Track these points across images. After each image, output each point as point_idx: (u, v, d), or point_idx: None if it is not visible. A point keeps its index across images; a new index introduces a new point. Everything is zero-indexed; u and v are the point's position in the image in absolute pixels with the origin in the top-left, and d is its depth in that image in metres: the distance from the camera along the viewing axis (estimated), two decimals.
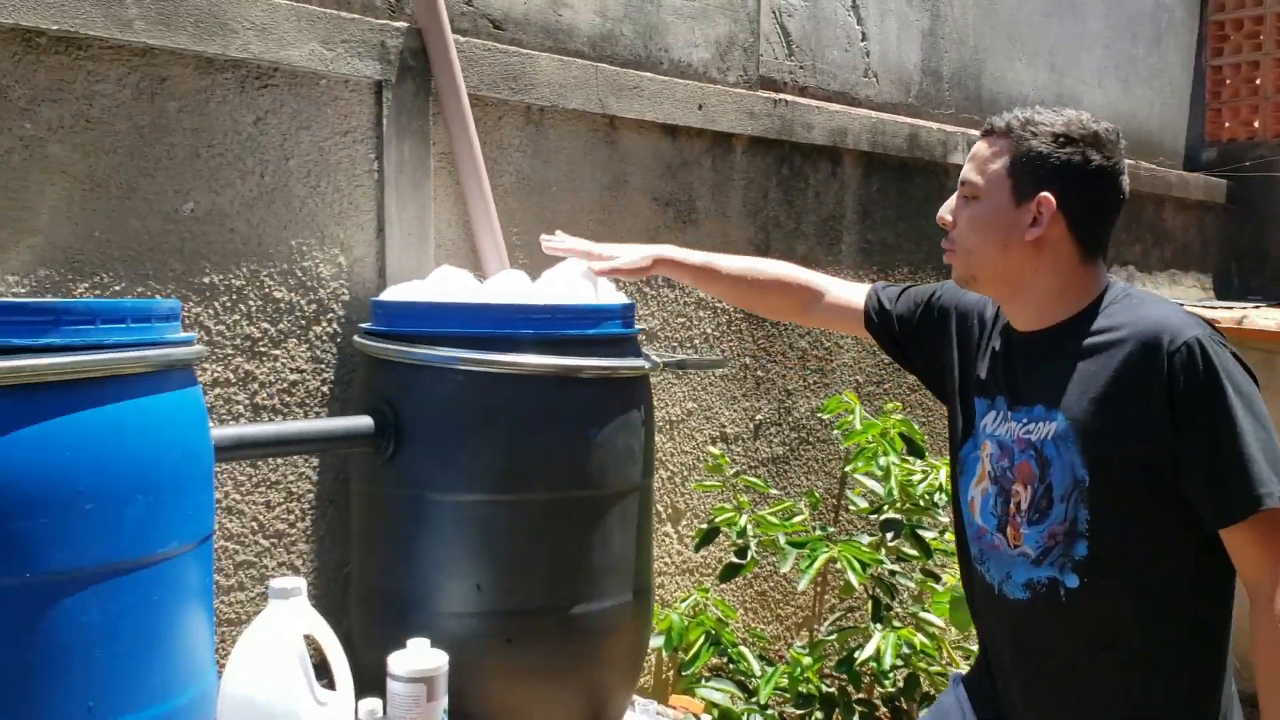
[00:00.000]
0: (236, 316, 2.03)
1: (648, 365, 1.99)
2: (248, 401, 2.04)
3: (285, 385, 2.10)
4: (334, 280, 2.17)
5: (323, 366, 2.15)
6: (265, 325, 2.07)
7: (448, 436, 1.85)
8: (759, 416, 3.07)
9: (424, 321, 1.88)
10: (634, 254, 2.07)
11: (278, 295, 2.09)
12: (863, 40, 3.53)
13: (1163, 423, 1.48)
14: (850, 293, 2.00)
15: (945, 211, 1.66)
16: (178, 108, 1.95)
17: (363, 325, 2.00)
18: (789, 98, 3.15)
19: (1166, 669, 1.54)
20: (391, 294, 2.02)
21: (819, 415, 3.10)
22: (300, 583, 1.60)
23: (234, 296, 2.03)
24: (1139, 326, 1.52)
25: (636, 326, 2.03)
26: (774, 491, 2.79)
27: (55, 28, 1.77)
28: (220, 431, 1.65)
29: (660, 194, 2.81)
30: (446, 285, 2.03)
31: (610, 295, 2.03)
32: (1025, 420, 1.60)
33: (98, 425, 1.35)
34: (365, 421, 1.86)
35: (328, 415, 2.15)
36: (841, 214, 3.33)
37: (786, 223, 3.16)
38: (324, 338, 2.16)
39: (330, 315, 2.16)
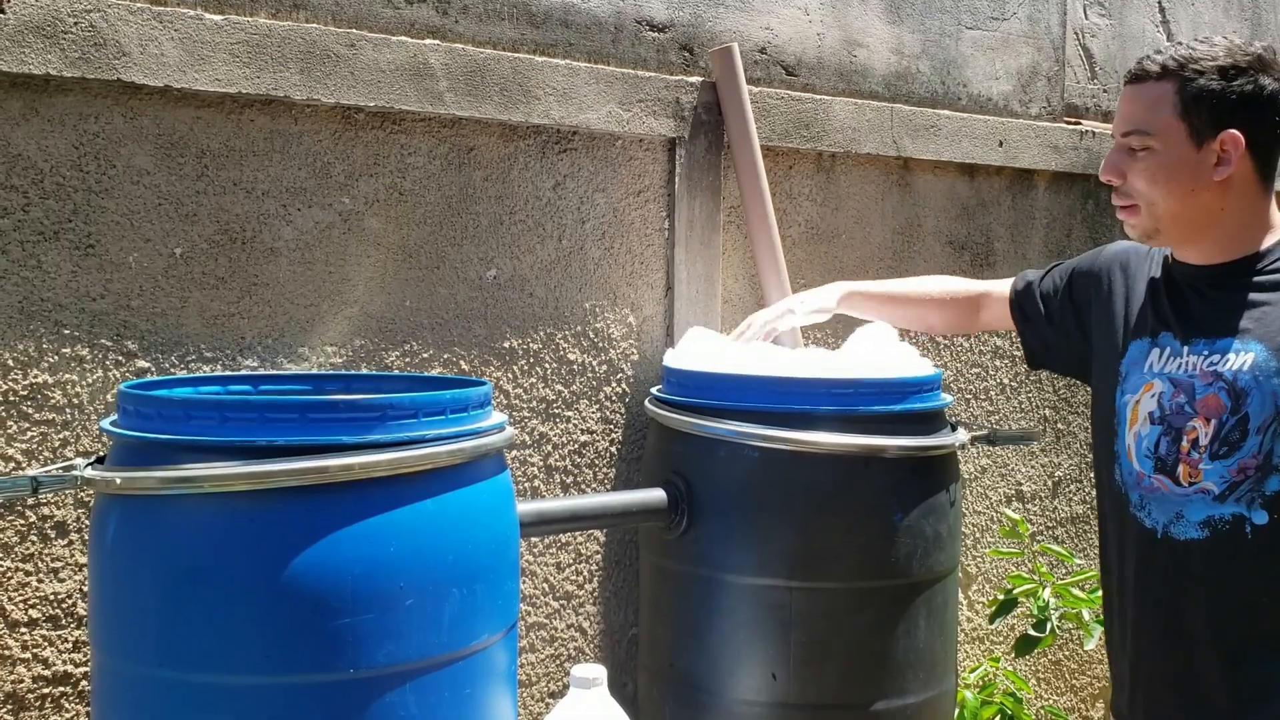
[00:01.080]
0: (533, 379, 2.04)
1: (957, 443, 1.86)
2: (541, 463, 2.05)
3: (576, 446, 2.10)
4: (624, 340, 2.15)
5: (612, 427, 2.14)
6: (559, 387, 2.08)
7: (741, 516, 1.78)
8: (1058, 473, 2.86)
9: (719, 393, 1.82)
10: (815, 300, 2.04)
11: (571, 357, 2.09)
12: None
13: None
14: (1002, 285, 1.98)
15: (1110, 170, 1.61)
16: (483, 176, 1.98)
17: (655, 391, 1.96)
18: (1094, 126, 2.91)
19: None
20: (670, 359, 1.97)
21: None
22: (602, 672, 1.57)
23: (531, 360, 2.04)
24: None
25: (945, 398, 1.90)
26: (1078, 561, 2.58)
27: (372, 104, 1.83)
28: (522, 508, 1.65)
29: (955, 237, 2.66)
30: (693, 345, 1.98)
31: (916, 365, 1.91)
32: (1207, 353, 1.56)
33: (418, 519, 1.36)
34: (658, 495, 1.83)
35: (615, 476, 2.14)
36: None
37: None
38: (613, 398, 2.14)
39: (620, 375, 2.15)
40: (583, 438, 2.10)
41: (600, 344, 2.12)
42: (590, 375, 2.11)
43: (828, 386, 1.79)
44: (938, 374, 1.91)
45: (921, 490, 1.83)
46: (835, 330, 2.42)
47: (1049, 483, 2.84)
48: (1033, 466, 2.81)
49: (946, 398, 1.91)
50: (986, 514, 2.71)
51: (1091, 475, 2.91)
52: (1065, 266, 1.89)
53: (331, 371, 1.81)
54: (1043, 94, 2.85)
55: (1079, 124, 2.92)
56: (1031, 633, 2.53)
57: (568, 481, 2.08)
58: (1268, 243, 1.58)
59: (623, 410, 2.15)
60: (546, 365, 2.06)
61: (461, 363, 1.96)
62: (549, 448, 2.06)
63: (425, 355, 1.93)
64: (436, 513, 1.37)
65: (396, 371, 1.89)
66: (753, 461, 1.78)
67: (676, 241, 2.19)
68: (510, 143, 2.00)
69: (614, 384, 2.14)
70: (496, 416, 1.51)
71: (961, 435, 1.89)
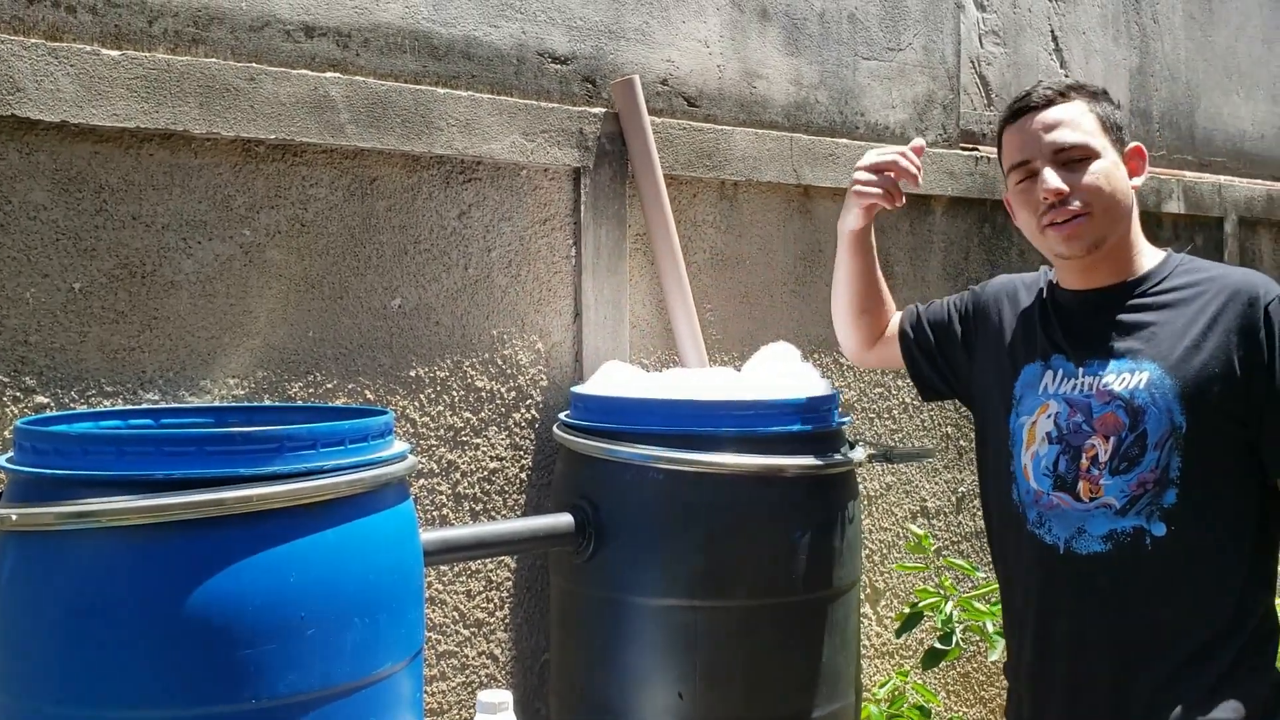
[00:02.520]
0: (440, 407, 2.06)
1: (855, 461, 1.92)
2: (450, 491, 2.07)
3: (486, 474, 2.12)
4: (532, 367, 2.18)
5: (521, 453, 2.16)
6: (468, 414, 2.09)
7: (647, 538, 1.82)
8: (961, 489, 2.94)
9: (625, 418, 1.86)
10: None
11: (479, 384, 2.11)
12: None
13: (1258, 370, 1.52)
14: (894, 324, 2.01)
15: (1055, 182, 1.59)
16: (386, 206, 1.99)
17: (564, 417, 1.99)
18: (990, 153, 3.02)
19: (1235, 616, 1.55)
20: (582, 388, 2.02)
21: None
22: (508, 697, 1.59)
23: (438, 388, 2.06)
24: (1227, 281, 1.58)
25: (843, 418, 1.96)
26: (980, 574, 2.66)
27: (273, 137, 1.84)
28: (427, 536, 1.67)
29: None
30: (607, 381, 2.02)
31: (815, 385, 1.97)
32: (1102, 373, 1.60)
33: (318, 549, 1.37)
34: (565, 520, 1.85)
35: (525, 502, 2.16)
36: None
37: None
38: (522, 424, 2.16)
39: (529, 402, 2.17)
40: (491, 465, 2.12)
41: (509, 371, 2.14)
42: (499, 402, 2.13)
43: (729, 409, 1.84)
44: (835, 394, 1.96)
45: (821, 508, 1.88)
46: (743, 353, 2.48)
47: (952, 498, 2.92)
48: (936, 483, 2.89)
49: (845, 417, 1.97)
50: (893, 530, 2.78)
51: None
52: (950, 300, 1.92)
53: (234, 404, 1.81)
54: (939, 121, 2.95)
55: (975, 149, 3.03)
56: (937, 645, 2.59)
57: (477, 509, 2.10)
58: (1148, 265, 1.65)
59: (532, 436, 2.18)
60: (454, 393, 2.08)
61: (367, 392, 1.97)
62: (457, 475, 2.08)
63: (329, 386, 1.94)
64: (337, 542, 1.38)
65: (300, 403, 1.89)
66: (657, 484, 1.82)
67: (584, 268, 2.22)
68: (414, 173, 2.02)
69: (523, 410, 2.17)
70: (398, 445, 1.53)
71: (858, 453, 1.95)
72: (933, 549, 2.69)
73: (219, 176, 1.82)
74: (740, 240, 2.51)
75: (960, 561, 2.69)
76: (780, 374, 1.98)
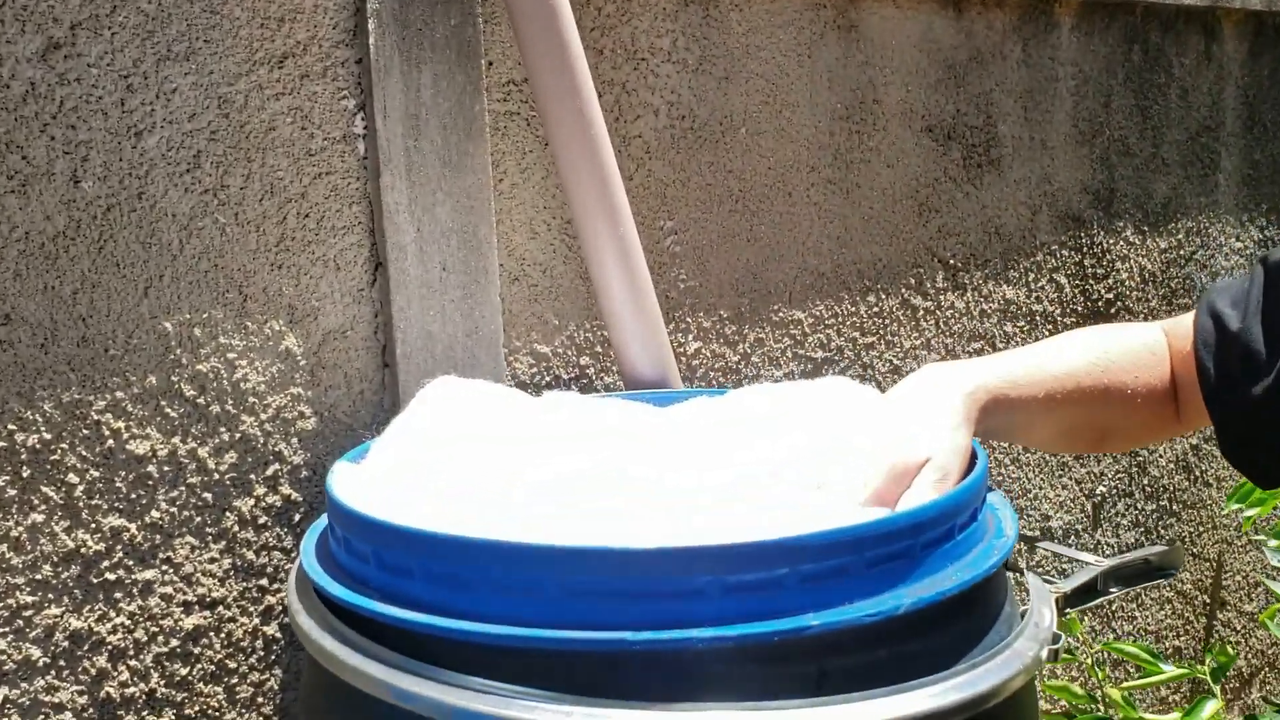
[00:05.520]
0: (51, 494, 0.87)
1: (1044, 651, 0.74)
2: (80, 697, 0.89)
3: (166, 644, 0.94)
4: (278, 392, 0.98)
5: (259, 589, 0.98)
6: (121, 507, 0.91)
7: None
8: (1100, 488, 1.79)
9: (460, 590, 0.68)
10: (946, 448, 0.79)
11: (140, 447, 0.91)
12: None
13: None
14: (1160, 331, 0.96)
15: None
16: None
17: (311, 568, 0.79)
18: None
19: None
20: (340, 484, 0.81)
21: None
22: None
23: (36, 453, 0.86)
24: None
25: (1000, 536, 0.78)
26: (1167, 668, 1.51)
27: None
28: None
29: (935, 118, 1.51)
30: (422, 447, 0.83)
31: (935, 458, 0.78)
32: None
33: None
34: None
35: (279, 698, 0.99)
36: (1218, 121, 1.95)
37: (1139, 147, 1.81)
38: (264, 521, 0.98)
39: (274, 469, 0.98)
40: (188, 621, 0.94)
41: (221, 405, 0.95)
42: (202, 478, 0.94)
43: (721, 560, 0.65)
44: (981, 476, 0.78)
45: None
46: (740, 315, 1.29)
47: (1087, 506, 1.77)
48: (1063, 483, 1.73)
49: (1005, 534, 0.79)
50: None
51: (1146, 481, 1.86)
52: (1245, 292, 0.89)
53: None
54: None
55: None
56: None
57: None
58: None
59: (289, 544, 1.00)
60: (77, 460, 0.88)
61: None
62: (110, 655, 0.90)
63: None
64: None
65: None
66: None
67: (385, 161, 1.00)
68: None
69: (260, 491, 0.98)
70: None
71: (1044, 621, 0.77)
72: (1081, 629, 1.54)
73: None
74: (727, 86, 1.28)
75: (1130, 648, 1.53)
76: (837, 435, 0.80)
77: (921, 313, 1.51)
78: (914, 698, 0.65)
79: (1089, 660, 1.56)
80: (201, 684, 0.95)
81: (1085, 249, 1.75)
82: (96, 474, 0.89)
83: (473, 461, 0.82)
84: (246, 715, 0.98)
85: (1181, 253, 1.91)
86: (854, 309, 1.43)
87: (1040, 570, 1.61)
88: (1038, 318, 1.68)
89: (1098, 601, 0.91)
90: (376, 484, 0.81)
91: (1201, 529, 1.98)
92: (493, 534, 0.69)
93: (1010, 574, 0.82)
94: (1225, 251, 2.00)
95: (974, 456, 0.81)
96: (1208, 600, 2.00)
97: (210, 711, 0.96)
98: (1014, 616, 0.79)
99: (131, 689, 0.91)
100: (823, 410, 0.89)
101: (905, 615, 0.66)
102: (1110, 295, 1.79)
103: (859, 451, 0.79)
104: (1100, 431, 0.96)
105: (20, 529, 0.86)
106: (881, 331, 1.46)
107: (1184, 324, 0.93)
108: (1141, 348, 0.95)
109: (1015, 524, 0.80)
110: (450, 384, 0.92)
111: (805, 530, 0.66)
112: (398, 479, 0.81)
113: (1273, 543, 1.67)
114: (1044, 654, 0.74)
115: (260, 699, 0.98)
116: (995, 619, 0.76)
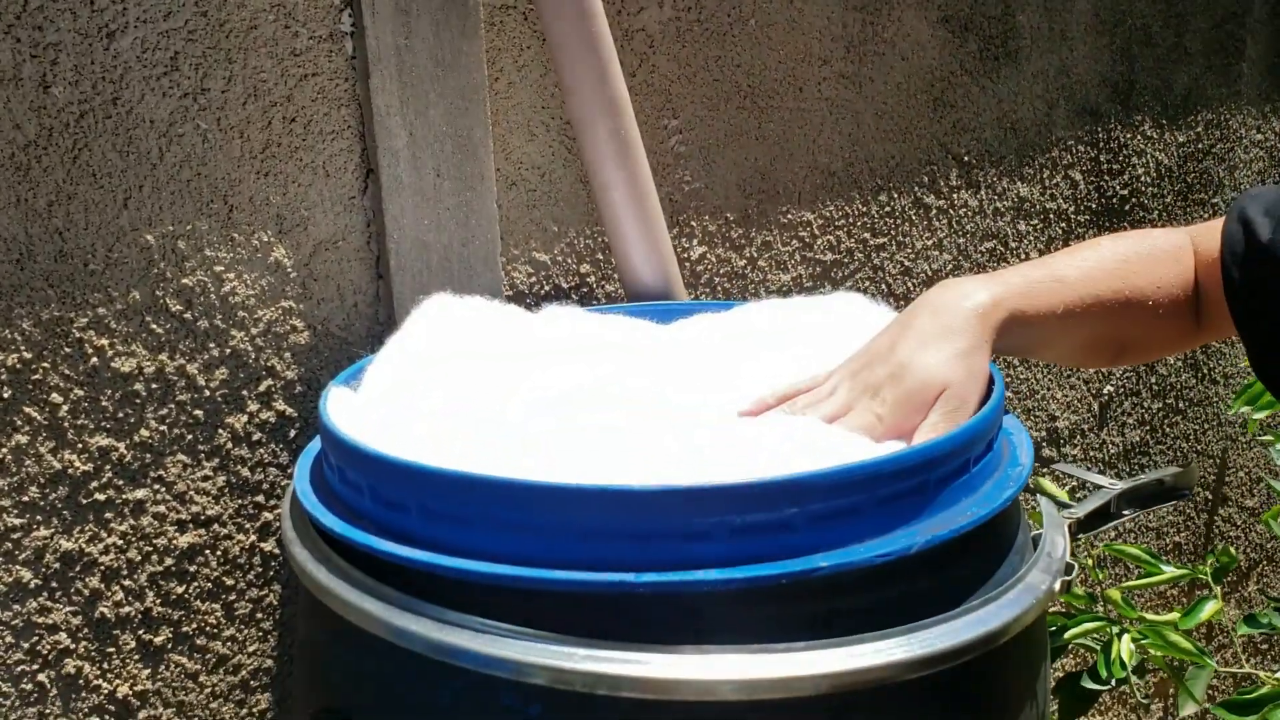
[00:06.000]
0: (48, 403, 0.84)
1: (1057, 583, 0.73)
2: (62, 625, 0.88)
3: (162, 561, 0.93)
4: (267, 306, 0.94)
5: (256, 507, 0.96)
6: (114, 425, 0.88)
7: None
8: (1107, 388, 1.77)
9: (457, 529, 0.66)
10: (962, 375, 0.76)
11: (125, 365, 0.88)
12: None
13: None
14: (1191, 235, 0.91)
15: None
16: None
17: (303, 492, 0.77)
18: None
19: None
20: (336, 410, 0.78)
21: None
22: None
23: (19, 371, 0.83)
24: None
25: (1016, 463, 0.76)
26: (1166, 569, 1.51)
27: None
28: None
29: (954, 8, 1.44)
30: (418, 369, 0.80)
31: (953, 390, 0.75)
32: None
33: None
34: None
35: (276, 624, 0.98)
36: (1245, 6, 1.87)
37: (1161, 36, 1.73)
38: (257, 437, 0.95)
39: (267, 386, 0.95)
40: (183, 539, 0.93)
41: (209, 320, 0.91)
42: (192, 396, 0.92)
43: (725, 500, 0.63)
44: (999, 403, 0.76)
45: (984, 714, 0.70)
46: (748, 218, 1.25)
47: (1094, 405, 1.75)
48: (1071, 385, 1.70)
49: (1021, 462, 0.76)
50: None
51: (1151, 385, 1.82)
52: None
53: None
54: None
55: None
56: (1087, 684, 1.51)
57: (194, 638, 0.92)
58: None
59: (285, 460, 0.97)
60: (60, 379, 0.85)
61: None
62: (103, 575, 0.89)
63: None
64: None
65: None
66: None
67: (374, 61, 0.95)
68: None
69: (253, 408, 0.95)
70: None
71: (1058, 551, 0.75)
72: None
73: None
74: None
75: (1131, 549, 1.53)
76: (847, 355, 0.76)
77: (934, 212, 1.46)
78: (925, 636, 0.64)
79: (1090, 561, 1.56)
80: (199, 601, 0.94)
81: (1101, 144, 1.69)
82: (81, 393, 0.86)
83: (469, 378, 0.79)
84: (246, 631, 0.97)
85: (1199, 146, 1.85)
86: (865, 209, 1.38)
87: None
88: (1051, 215, 1.63)
89: (1111, 525, 0.89)
90: (372, 405, 0.78)
91: (1207, 426, 1.96)
92: (490, 465, 0.67)
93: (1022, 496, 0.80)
94: (1245, 144, 1.93)
95: (990, 381, 0.79)
96: (1210, 497, 2.00)
97: (209, 628, 0.95)
98: (1026, 546, 0.77)
99: (127, 608, 0.90)
100: (832, 328, 0.86)
101: (918, 554, 0.64)
102: (1125, 192, 1.74)
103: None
104: (1119, 345, 0.93)
105: (3, 450, 0.84)
106: (893, 232, 1.42)
107: (1212, 230, 0.89)
108: (1165, 256, 0.91)
109: (1030, 451, 0.78)
110: (446, 301, 0.89)
111: (814, 468, 0.64)
112: (393, 400, 0.78)
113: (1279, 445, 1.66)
114: (1057, 586, 0.72)
115: (259, 614, 0.97)
116: (1008, 550, 0.74)
